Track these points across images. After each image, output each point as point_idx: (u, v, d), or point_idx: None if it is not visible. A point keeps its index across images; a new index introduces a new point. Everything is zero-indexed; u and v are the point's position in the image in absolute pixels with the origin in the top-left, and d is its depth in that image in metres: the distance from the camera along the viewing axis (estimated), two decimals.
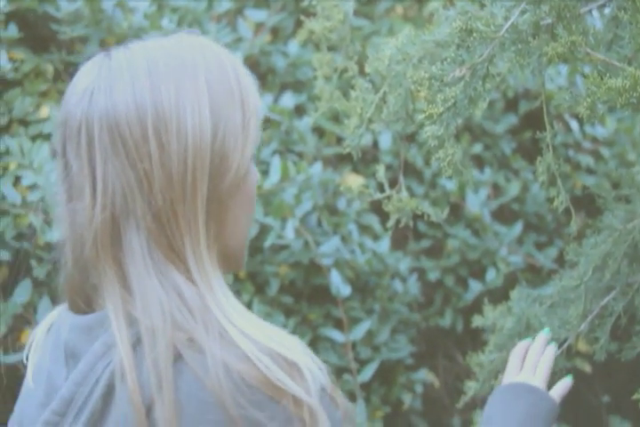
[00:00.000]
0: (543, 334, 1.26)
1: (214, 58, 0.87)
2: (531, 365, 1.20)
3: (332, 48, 1.73)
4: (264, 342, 0.79)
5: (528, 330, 1.52)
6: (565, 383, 1.21)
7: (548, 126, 1.46)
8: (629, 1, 1.17)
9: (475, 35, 1.33)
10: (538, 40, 1.30)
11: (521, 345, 1.25)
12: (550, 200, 1.43)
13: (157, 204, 0.81)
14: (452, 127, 1.38)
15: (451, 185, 2.30)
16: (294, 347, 0.80)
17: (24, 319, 1.83)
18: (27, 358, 0.91)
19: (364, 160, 2.26)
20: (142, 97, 0.82)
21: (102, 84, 0.84)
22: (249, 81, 0.88)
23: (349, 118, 1.59)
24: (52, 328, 0.90)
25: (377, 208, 2.18)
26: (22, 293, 1.80)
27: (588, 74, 1.21)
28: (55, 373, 0.85)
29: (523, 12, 1.32)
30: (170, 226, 0.82)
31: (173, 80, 0.83)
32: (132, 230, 0.81)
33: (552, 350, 1.24)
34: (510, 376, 1.19)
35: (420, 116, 1.35)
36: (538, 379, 1.18)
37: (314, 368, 0.80)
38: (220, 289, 0.82)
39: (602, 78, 1.17)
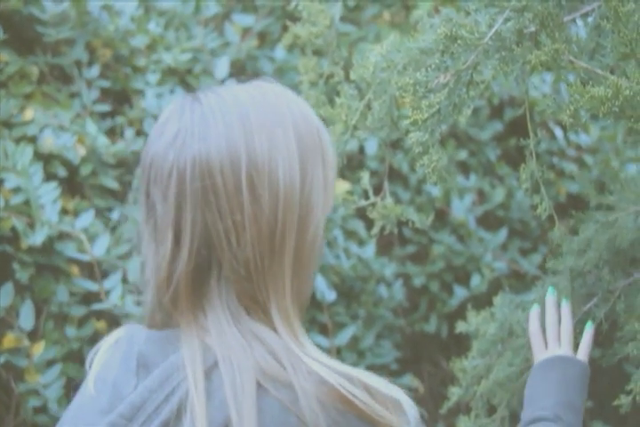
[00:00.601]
0: (550, 297, 1.27)
1: (298, 108, 0.87)
2: (553, 338, 1.23)
3: (318, 53, 1.73)
4: (357, 377, 0.80)
5: (511, 336, 1.53)
6: (587, 338, 1.23)
7: (531, 134, 1.47)
8: (611, 10, 1.18)
9: (459, 42, 1.33)
10: (521, 48, 1.30)
11: (534, 320, 1.26)
12: (534, 207, 1.44)
13: (245, 256, 0.80)
14: (436, 133, 1.38)
15: (436, 191, 2.30)
16: (385, 382, 0.82)
17: (6, 323, 1.82)
18: (89, 367, 0.90)
19: (350, 166, 2.27)
20: (236, 145, 0.81)
21: (195, 130, 0.82)
22: (326, 133, 0.88)
23: (334, 125, 1.59)
24: (119, 341, 0.89)
25: (362, 214, 2.18)
26: (4, 296, 1.79)
27: (572, 82, 1.22)
28: (123, 382, 0.84)
29: (506, 20, 1.32)
30: (256, 279, 0.81)
31: (265, 129, 0.83)
32: (213, 281, 0.81)
33: (567, 309, 1.25)
34: (539, 355, 1.22)
35: (405, 122, 1.36)
36: (563, 348, 1.21)
37: (408, 400, 0.83)
38: (305, 340, 0.83)
39: (584, 87, 1.17)
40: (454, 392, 1.60)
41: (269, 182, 0.81)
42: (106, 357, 0.88)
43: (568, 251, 1.48)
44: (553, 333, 1.23)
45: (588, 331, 1.25)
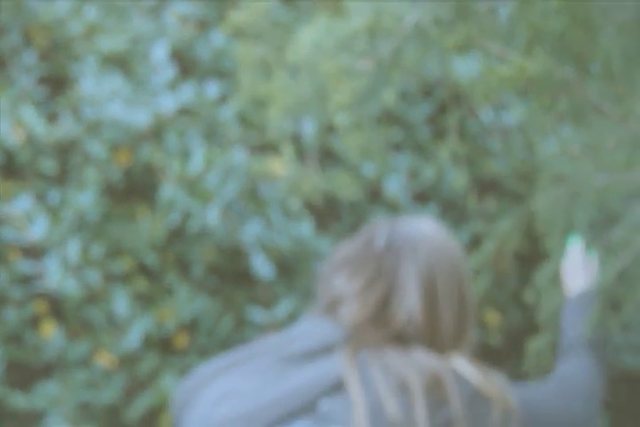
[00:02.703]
0: (569, 244, 1.48)
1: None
2: (574, 277, 1.45)
3: (254, 38, 1.78)
4: None
5: None
6: (578, 259, 1.45)
7: (452, 113, 1.55)
8: None
9: (381, 29, 1.40)
10: (439, 34, 1.38)
11: (563, 268, 1.47)
12: (459, 184, 1.53)
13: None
14: (362, 116, 1.45)
15: (370, 169, 2.37)
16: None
17: None
18: None
19: (290, 145, 2.32)
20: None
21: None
22: None
23: (271, 107, 1.65)
24: None
25: (300, 193, 2.24)
26: None
27: (483, 64, 1.30)
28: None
29: (425, 8, 1.40)
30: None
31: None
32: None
33: (576, 248, 1.46)
34: (568, 290, 1.45)
35: (332, 106, 1.42)
36: (578, 283, 1.44)
37: None
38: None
39: (494, 68, 1.25)
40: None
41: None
42: None
43: None
44: (573, 273, 1.45)
45: (573, 246, 1.47)
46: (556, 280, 1.62)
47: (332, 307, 1.16)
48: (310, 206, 2.30)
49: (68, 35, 2.21)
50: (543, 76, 1.18)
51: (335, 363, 1.11)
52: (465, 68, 1.97)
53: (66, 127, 2.09)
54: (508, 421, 1.13)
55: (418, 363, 1.11)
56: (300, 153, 2.27)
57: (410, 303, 1.15)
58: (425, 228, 1.20)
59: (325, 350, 1.12)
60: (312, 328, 1.15)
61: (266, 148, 2.33)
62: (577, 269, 1.46)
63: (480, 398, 1.13)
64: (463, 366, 1.14)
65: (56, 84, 2.21)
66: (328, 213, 2.33)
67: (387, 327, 1.14)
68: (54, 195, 2.04)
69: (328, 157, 2.33)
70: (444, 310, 1.17)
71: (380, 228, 1.19)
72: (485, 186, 2.31)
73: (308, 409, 1.09)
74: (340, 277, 1.17)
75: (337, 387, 1.09)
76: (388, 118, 2.45)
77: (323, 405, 1.09)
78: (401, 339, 1.15)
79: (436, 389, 1.10)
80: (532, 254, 1.98)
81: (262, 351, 1.14)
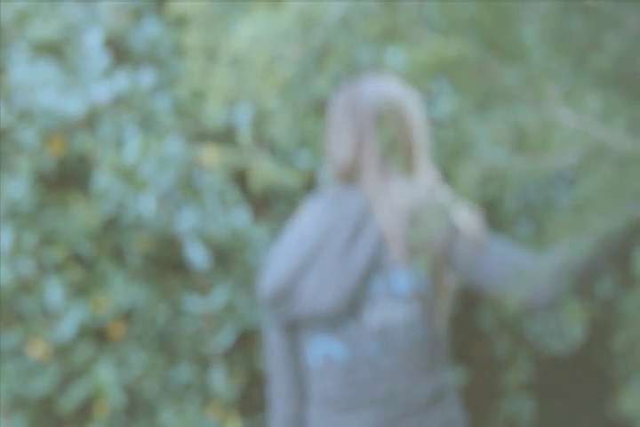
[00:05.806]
0: None
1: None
2: None
3: (196, 27, 1.79)
4: None
5: None
6: None
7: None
8: None
9: (310, 19, 1.43)
10: (365, 23, 1.41)
11: None
12: None
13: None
14: (294, 103, 1.48)
15: (305, 158, 2.39)
16: None
17: None
18: None
19: (226, 135, 2.33)
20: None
21: None
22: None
23: (209, 100, 1.67)
24: None
25: (239, 183, 2.26)
26: None
27: (408, 53, 1.33)
28: None
29: None
30: None
31: None
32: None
33: None
34: None
35: (264, 93, 1.45)
36: None
37: None
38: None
39: (414, 55, 1.28)
40: None
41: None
42: None
43: None
44: None
45: None
46: None
47: (335, 163, 1.61)
48: (246, 196, 2.31)
49: None
50: (458, 61, 1.22)
51: (375, 228, 1.49)
52: (394, 59, 2.01)
53: None
54: (472, 253, 1.44)
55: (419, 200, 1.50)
56: (234, 136, 2.27)
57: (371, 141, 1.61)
58: (380, 85, 1.65)
59: (364, 219, 1.50)
60: (344, 206, 1.54)
61: (202, 137, 2.34)
62: None
63: (456, 231, 1.45)
64: (453, 205, 1.47)
65: None
66: (263, 203, 2.34)
67: (379, 163, 1.56)
68: None
69: (263, 147, 2.35)
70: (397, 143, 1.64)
71: (348, 88, 1.65)
72: None
73: (378, 268, 1.49)
74: (333, 136, 1.64)
75: (385, 242, 1.49)
76: (323, 109, 2.48)
77: (386, 260, 1.48)
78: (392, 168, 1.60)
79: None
80: None
81: (326, 241, 1.54)
